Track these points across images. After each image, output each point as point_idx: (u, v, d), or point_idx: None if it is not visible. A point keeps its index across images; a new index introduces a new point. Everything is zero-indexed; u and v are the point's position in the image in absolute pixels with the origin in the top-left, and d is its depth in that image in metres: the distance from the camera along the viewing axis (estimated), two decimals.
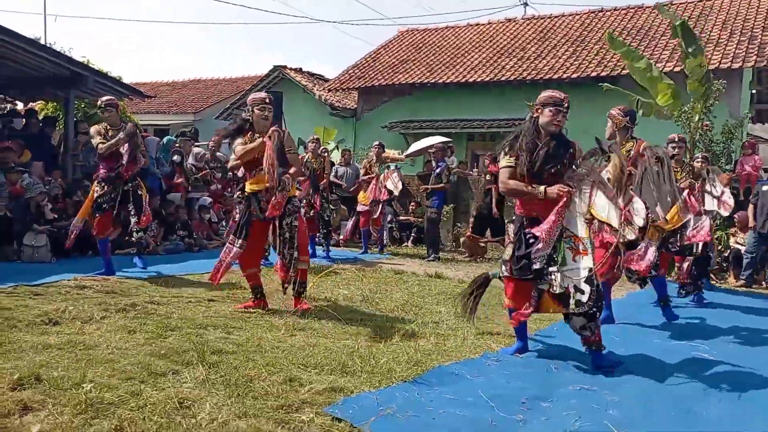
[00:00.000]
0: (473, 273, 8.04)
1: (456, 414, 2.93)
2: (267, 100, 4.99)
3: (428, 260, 9.51)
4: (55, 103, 12.63)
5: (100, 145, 6.18)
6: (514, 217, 4.07)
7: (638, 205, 4.13)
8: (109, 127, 6.29)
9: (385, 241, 10.70)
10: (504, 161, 3.91)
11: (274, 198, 4.77)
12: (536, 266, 3.75)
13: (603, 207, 3.74)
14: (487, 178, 10.26)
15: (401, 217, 12.43)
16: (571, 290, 3.70)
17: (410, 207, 12.49)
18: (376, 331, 4.48)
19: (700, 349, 4.53)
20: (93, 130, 6.43)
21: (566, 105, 3.85)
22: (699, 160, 6.70)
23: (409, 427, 2.72)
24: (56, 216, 7.67)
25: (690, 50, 9.55)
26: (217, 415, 2.66)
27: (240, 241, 4.93)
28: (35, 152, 8.85)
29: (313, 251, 9.08)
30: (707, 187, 6.35)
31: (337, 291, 6.11)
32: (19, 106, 13.05)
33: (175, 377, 3.14)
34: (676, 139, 6.18)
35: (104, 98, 6.54)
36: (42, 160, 8.78)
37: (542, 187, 3.75)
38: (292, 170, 4.92)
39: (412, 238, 11.95)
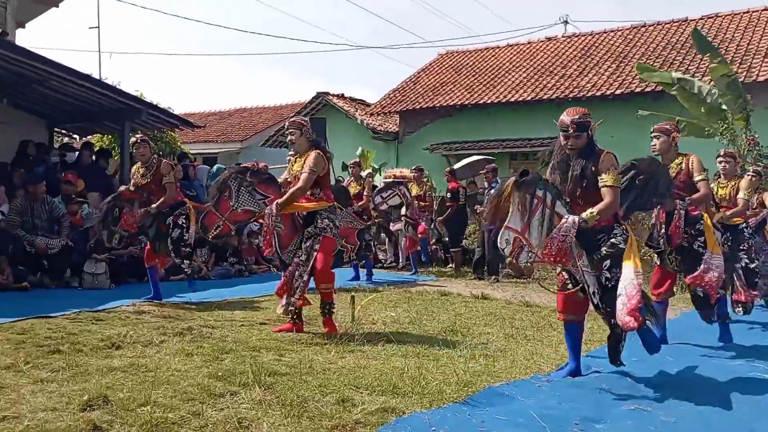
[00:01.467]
0: (520, 293, 8.01)
1: None
2: (285, 125, 5.19)
3: (491, 281, 9.55)
4: (110, 136, 13.18)
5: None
6: None
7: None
8: (141, 165, 6.40)
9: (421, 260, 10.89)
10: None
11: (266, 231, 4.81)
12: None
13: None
14: (447, 195, 10.33)
15: (446, 239, 12.43)
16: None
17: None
18: (425, 352, 4.52)
19: (758, 369, 4.41)
20: (132, 171, 6.57)
21: (571, 130, 3.79)
22: (751, 173, 6.54)
23: None
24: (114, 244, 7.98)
25: (708, 56, 9.48)
26: None
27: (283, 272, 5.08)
28: (89, 183, 9.26)
29: (357, 274, 9.21)
30: None
31: (385, 313, 6.17)
32: (77, 139, 13.69)
33: (232, 398, 3.24)
34: (722, 153, 6.16)
35: (134, 137, 6.65)
36: (97, 190, 9.17)
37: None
38: (289, 191, 4.86)
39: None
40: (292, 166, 5.13)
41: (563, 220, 3.58)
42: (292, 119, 5.21)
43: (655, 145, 4.97)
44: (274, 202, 4.79)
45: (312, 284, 5.05)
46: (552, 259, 3.57)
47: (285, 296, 4.99)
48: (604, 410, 3.39)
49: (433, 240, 12.39)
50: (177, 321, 5.33)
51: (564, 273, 3.95)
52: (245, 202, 4.89)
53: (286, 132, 5.08)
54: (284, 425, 2.87)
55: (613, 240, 3.71)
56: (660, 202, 4.44)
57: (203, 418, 2.91)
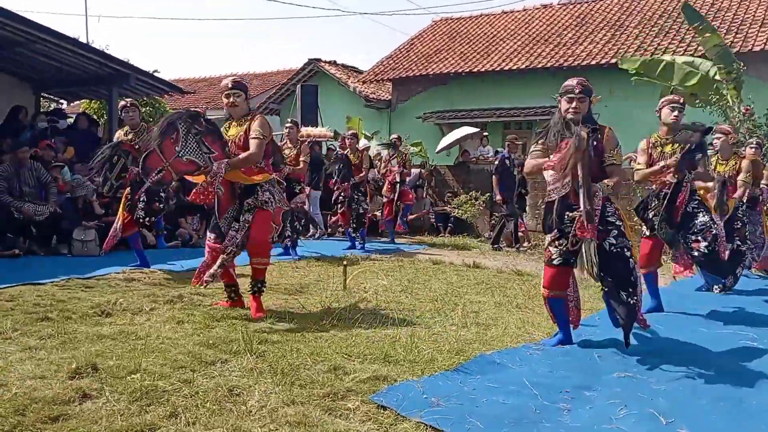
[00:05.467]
0: (512, 262, 8.03)
1: (499, 402, 2.95)
2: (230, 85, 4.46)
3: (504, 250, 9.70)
4: (98, 102, 12.97)
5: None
6: (545, 206, 3.99)
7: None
8: (129, 129, 6.31)
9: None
10: (532, 147, 3.98)
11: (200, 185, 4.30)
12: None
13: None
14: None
15: (438, 208, 12.45)
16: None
17: (446, 197, 12.48)
18: (416, 320, 4.52)
19: (747, 337, 4.44)
20: (116, 134, 6.48)
21: (578, 90, 3.77)
22: (753, 146, 6.52)
23: (453, 415, 2.75)
24: (104, 211, 7.90)
25: (699, 27, 9.40)
26: (266, 403, 2.74)
27: (213, 236, 4.50)
28: (82, 150, 9.12)
29: (353, 243, 9.23)
30: None
31: (376, 282, 6.16)
32: (64, 104, 13.47)
33: (223, 366, 3.23)
34: (715, 129, 6.16)
35: (123, 101, 6.55)
36: (89, 157, 9.05)
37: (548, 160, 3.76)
38: (242, 155, 4.34)
39: (449, 228, 11.96)
40: (227, 131, 4.52)
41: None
42: (237, 79, 4.54)
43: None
44: (224, 162, 4.26)
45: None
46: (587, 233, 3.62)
47: (206, 268, 4.44)
48: (595, 378, 3.40)
49: (427, 208, 12.42)
50: (167, 288, 5.30)
51: (551, 248, 3.87)
52: (191, 152, 4.24)
53: (230, 92, 4.45)
54: (275, 393, 2.86)
55: (610, 218, 3.78)
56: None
57: (194, 386, 2.90)
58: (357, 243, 9.20)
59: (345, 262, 6.04)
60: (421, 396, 2.92)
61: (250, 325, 4.15)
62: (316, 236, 10.40)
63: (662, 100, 5.08)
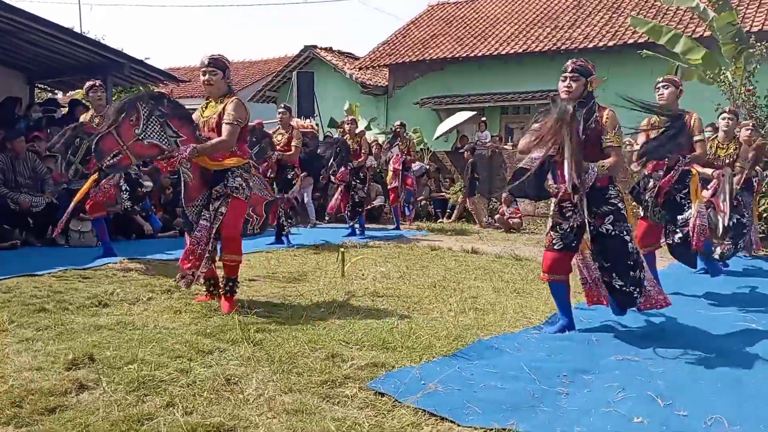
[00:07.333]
0: (510, 247, 8.02)
1: (498, 387, 2.94)
2: (206, 62, 4.19)
3: None
4: None
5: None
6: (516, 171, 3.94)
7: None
8: (95, 113, 6.05)
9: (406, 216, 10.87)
10: (532, 127, 3.86)
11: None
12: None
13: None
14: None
15: (436, 194, 12.44)
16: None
17: (445, 183, 12.47)
18: (414, 306, 4.52)
19: (745, 318, 4.45)
20: (81, 117, 6.15)
21: (570, 69, 3.68)
22: (748, 128, 6.50)
23: (451, 400, 2.74)
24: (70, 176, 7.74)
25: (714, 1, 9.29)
26: (263, 391, 2.73)
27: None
28: None
29: (352, 230, 9.22)
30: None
31: (375, 268, 6.15)
32: (59, 95, 13.39)
33: (221, 355, 3.22)
34: (727, 110, 6.12)
35: (91, 81, 6.27)
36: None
37: None
38: (211, 142, 4.08)
39: (447, 214, 11.96)
40: (203, 111, 4.30)
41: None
42: (215, 56, 4.23)
43: (663, 94, 4.83)
44: (191, 146, 3.98)
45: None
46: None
47: (189, 266, 4.15)
48: (593, 361, 3.40)
49: (424, 195, 12.40)
50: (164, 278, 5.28)
51: (552, 233, 3.89)
52: (154, 135, 3.98)
53: (206, 69, 4.21)
54: (273, 381, 2.86)
55: (612, 200, 3.74)
56: (674, 154, 4.50)
57: (191, 375, 2.89)
58: (356, 230, 9.19)
59: (343, 249, 6.03)
60: (419, 382, 2.91)
61: (248, 313, 4.14)
62: (310, 225, 10.38)
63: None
